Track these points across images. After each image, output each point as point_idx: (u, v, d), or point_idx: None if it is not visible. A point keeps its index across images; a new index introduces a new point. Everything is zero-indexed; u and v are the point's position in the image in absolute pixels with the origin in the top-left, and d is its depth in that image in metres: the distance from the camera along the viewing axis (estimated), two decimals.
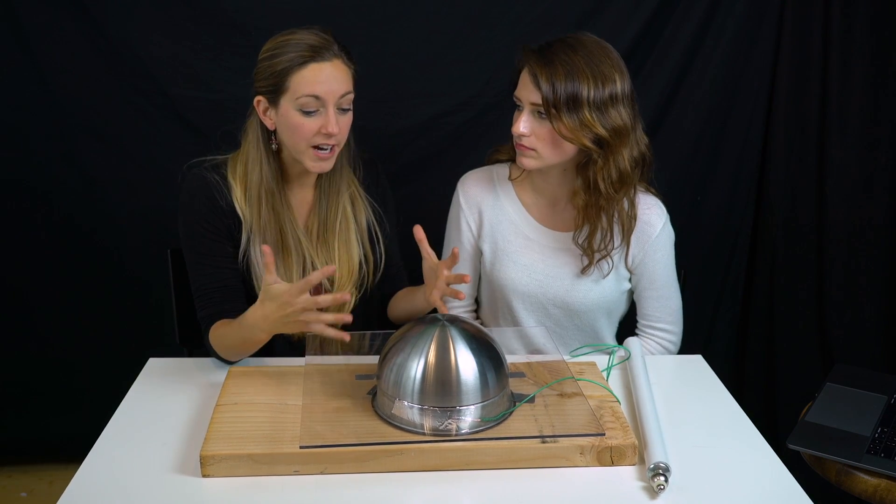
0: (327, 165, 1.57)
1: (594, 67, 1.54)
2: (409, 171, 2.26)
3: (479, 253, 1.79)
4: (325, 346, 1.50)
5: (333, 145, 1.55)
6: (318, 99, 1.50)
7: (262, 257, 1.43)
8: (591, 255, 1.68)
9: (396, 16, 2.18)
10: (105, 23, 2.12)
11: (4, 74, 2.14)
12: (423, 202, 2.14)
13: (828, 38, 2.23)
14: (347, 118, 1.56)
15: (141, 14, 2.11)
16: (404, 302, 1.72)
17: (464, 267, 1.81)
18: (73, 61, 2.14)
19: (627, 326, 1.84)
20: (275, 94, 1.53)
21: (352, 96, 1.55)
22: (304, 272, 1.63)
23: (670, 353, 1.78)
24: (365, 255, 1.69)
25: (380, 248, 1.71)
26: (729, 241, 2.45)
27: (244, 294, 1.60)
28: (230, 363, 1.53)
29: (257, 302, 1.39)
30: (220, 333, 1.52)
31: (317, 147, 1.54)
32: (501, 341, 1.35)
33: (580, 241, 1.68)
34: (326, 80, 1.50)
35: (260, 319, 1.38)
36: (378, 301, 1.78)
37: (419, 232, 1.45)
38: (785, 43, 2.28)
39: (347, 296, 1.42)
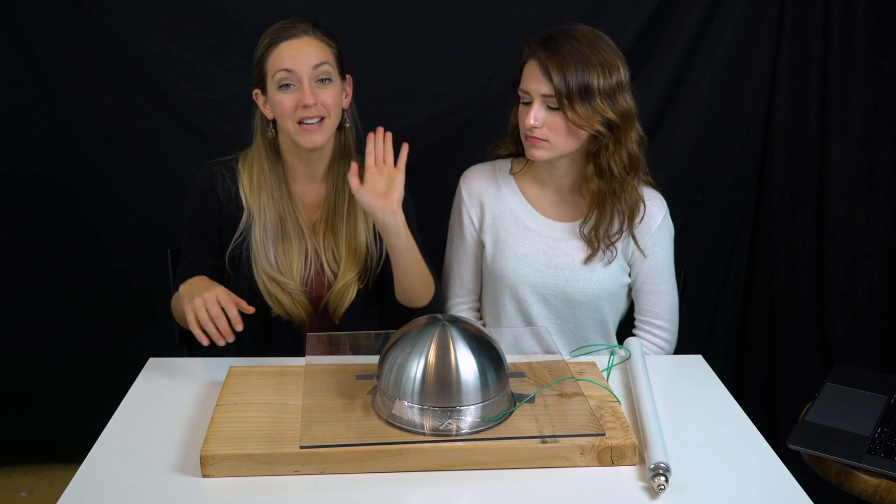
0: (317, 138, 1.59)
1: (600, 56, 1.58)
2: (408, 171, 2.25)
3: (481, 246, 1.80)
4: (324, 346, 1.51)
5: (320, 117, 1.58)
6: (290, 72, 1.56)
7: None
8: (595, 243, 1.69)
9: (396, 16, 2.18)
10: (105, 23, 2.11)
11: (4, 74, 2.14)
12: (423, 202, 2.13)
13: (828, 38, 2.23)
14: (330, 90, 1.59)
15: (141, 14, 2.11)
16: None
17: (466, 262, 1.82)
18: (73, 61, 2.14)
19: (628, 326, 1.84)
20: (262, 82, 1.60)
21: (329, 68, 1.59)
22: (305, 260, 1.67)
23: (665, 352, 1.78)
24: (369, 244, 1.71)
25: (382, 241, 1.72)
26: (729, 241, 2.45)
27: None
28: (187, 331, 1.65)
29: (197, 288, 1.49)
30: (174, 302, 1.67)
31: (300, 122, 1.58)
32: (504, 341, 1.35)
33: (586, 231, 1.69)
34: (296, 54, 1.56)
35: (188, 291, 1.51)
36: (378, 298, 1.78)
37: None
38: (785, 43, 2.28)
39: (251, 308, 1.48)
